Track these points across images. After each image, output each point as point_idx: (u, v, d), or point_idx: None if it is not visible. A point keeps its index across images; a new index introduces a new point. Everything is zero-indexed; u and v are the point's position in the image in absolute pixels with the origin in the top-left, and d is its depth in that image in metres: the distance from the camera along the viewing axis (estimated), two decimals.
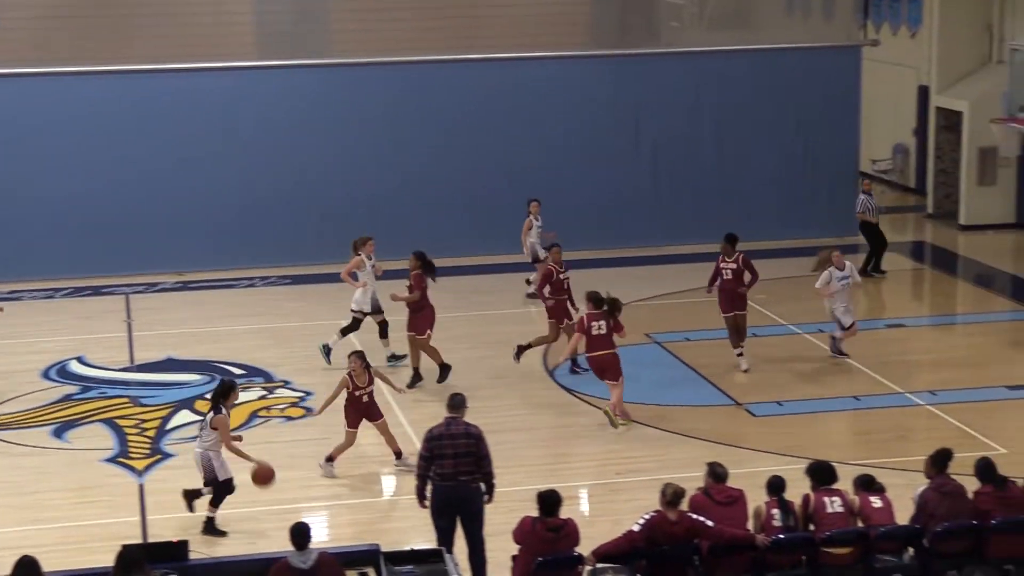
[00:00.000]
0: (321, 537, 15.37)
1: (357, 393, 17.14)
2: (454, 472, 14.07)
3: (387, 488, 17.28)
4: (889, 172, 34.27)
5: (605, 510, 16.27)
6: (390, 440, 17.42)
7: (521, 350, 20.87)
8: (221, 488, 15.77)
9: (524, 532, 12.76)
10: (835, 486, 13.46)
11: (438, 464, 14.08)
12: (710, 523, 12.87)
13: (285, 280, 26.60)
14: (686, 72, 28.66)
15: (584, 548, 12.82)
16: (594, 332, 18.55)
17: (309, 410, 19.40)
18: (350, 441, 17.27)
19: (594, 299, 18.67)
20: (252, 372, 21.20)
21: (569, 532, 12.77)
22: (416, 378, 20.36)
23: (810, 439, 18.17)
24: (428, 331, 20.29)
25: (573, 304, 20.65)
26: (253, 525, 15.81)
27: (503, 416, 19.24)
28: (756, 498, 13.43)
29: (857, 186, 29.66)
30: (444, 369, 20.43)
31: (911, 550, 13.37)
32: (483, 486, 14.25)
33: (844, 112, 29.23)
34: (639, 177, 28.54)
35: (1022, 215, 29.81)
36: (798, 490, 13.45)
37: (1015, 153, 27.63)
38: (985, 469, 13.65)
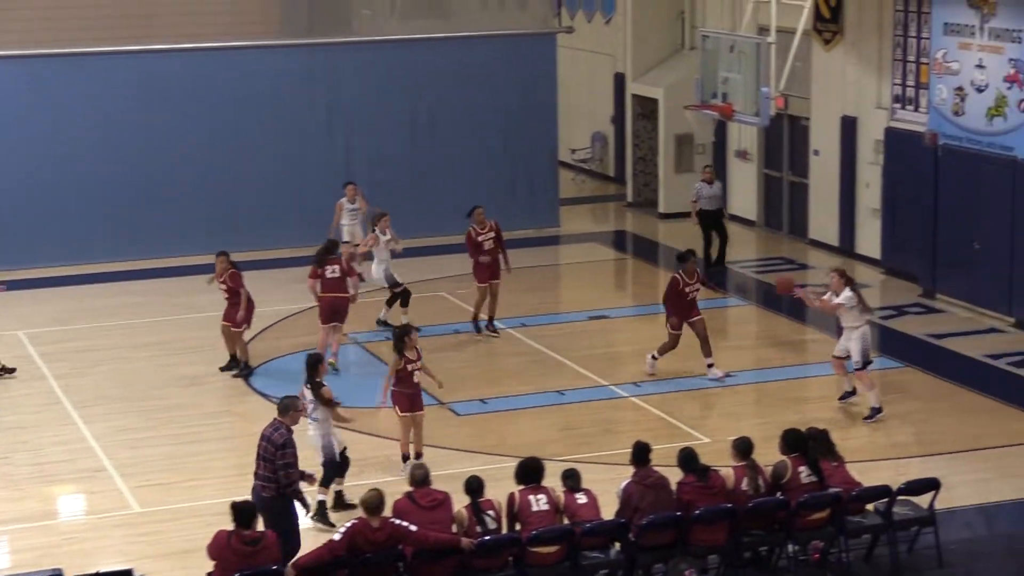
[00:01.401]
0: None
1: (410, 368, 17.04)
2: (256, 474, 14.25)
3: (71, 508, 16.82)
4: (588, 161, 34.95)
5: (304, 520, 16.15)
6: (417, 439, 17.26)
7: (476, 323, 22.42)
8: (341, 465, 15.99)
9: (219, 547, 12.55)
10: (543, 484, 13.68)
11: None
12: (414, 528, 12.92)
13: None
14: (379, 63, 28.67)
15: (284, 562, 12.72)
16: (328, 275, 20.52)
17: None
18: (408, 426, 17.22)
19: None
20: None
21: (268, 545, 12.61)
22: (235, 364, 20.96)
23: (515, 436, 18.41)
24: (245, 325, 20.88)
25: (507, 261, 22.48)
26: None
27: (196, 425, 19.02)
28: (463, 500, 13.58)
29: (557, 176, 30.23)
30: (233, 360, 21.00)
31: (617, 545, 13.69)
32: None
33: (541, 101, 29.69)
34: (331, 174, 28.37)
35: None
36: (508, 489, 13.62)
37: (710, 139, 28.54)
38: (687, 459, 14.07)
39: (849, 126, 26.86)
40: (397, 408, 17.11)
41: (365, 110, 28.65)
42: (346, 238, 24.75)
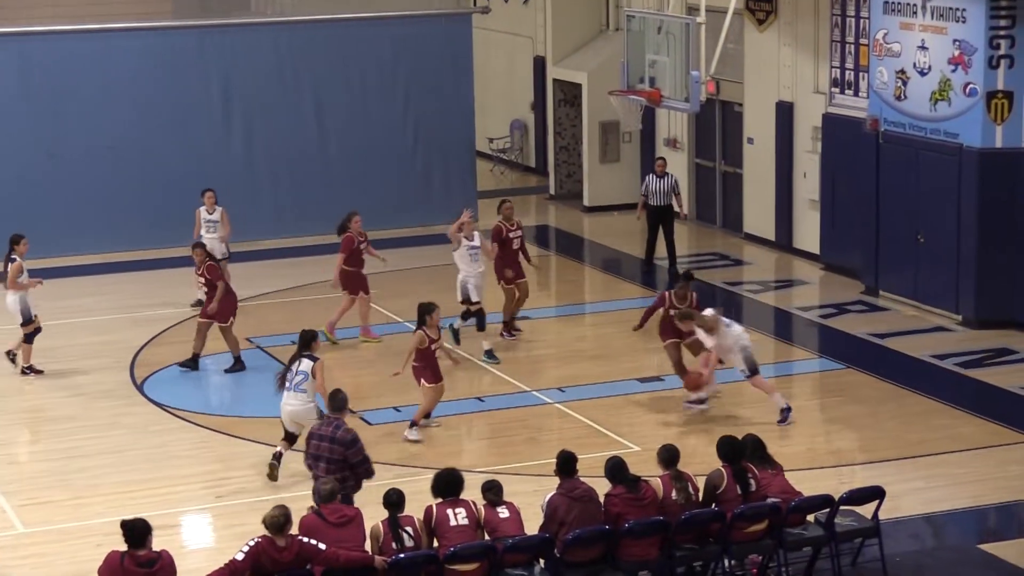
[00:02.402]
0: None
1: (433, 347, 18.39)
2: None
3: None
4: (508, 151, 34.99)
5: (203, 539, 16.09)
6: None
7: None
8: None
9: (111, 569, 12.43)
10: (463, 497, 13.67)
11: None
12: (323, 546, 12.88)
13: None
14: (279, 45, 28.56)
15: None
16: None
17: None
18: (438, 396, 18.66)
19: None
20: None
21: (164, 566, 12.52)
22: (194, 362, 21.31)
23: (432, 446, 18.39)
24: (231, 318, 21.19)
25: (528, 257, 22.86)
26: None
27: (84, 437, 18.86)
28: (376, 516, 13.54)
29: (475, 167, 30.23)
30: (238, 361, 21.35)
31: (542, 561, 13.69)
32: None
33: (456, 86, 29.72)
34: (231, 163, 28.24)
35: None
36: (425, 503, 13.61)
37: (637, 127, 28.67)
38: (615, 469, 14.11)
39: (785, 112, 27.05)
40: (424, 380, 18.49)
41: (264, 98, 28.51)
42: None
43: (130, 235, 27.39)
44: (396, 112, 29.40)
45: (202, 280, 21.28)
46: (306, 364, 17.14)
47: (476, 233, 22.16)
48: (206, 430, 19.00)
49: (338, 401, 15.27)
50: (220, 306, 21.06)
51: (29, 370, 21.22)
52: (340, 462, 14.82)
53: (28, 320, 21.18)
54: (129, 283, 23.57)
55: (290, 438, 17.37)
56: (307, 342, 17.30)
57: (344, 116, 29.07)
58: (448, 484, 13.76)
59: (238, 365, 21.31)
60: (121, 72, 27.75)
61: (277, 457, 17.28)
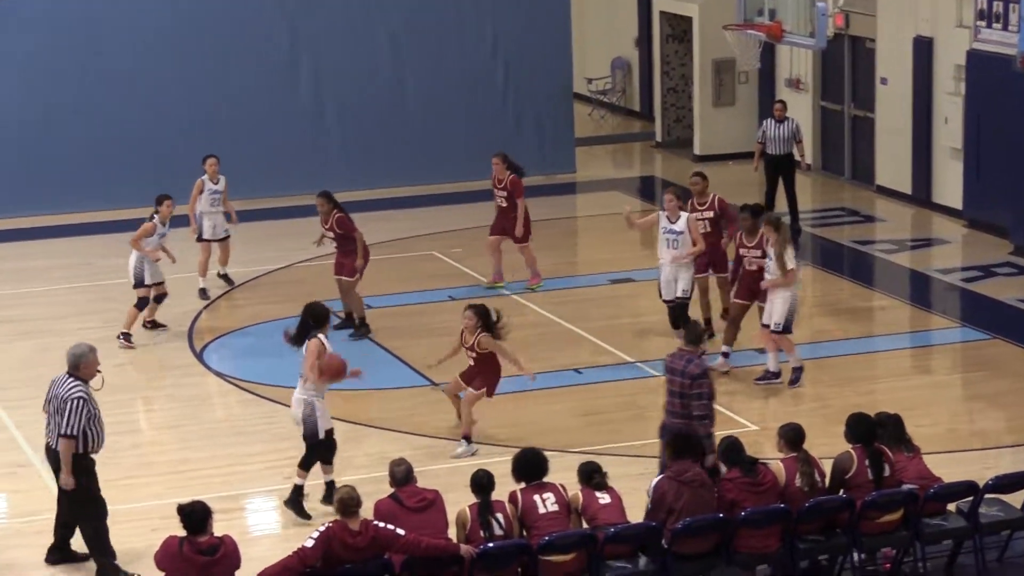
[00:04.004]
0: None
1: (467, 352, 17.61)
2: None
3: None
4: (609, 93, 34.92)
5: (269, 524, 16.23)
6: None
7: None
8: (327, 446, 16.00)
9: (169, 556, 12.60)
10: (547, 479, 13.68)
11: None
12: (401, 532, 12.93)
13: None
14: None
15: (248, 572, 12.75)
16: None
17: None
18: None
19: None
20: None
21: (227, 553, 12.68)
22: (351, 323, 21.22)
23: (525, 423, 18.42)
24: (358, 275, 21.09)
25: None
26: None
27: (136, 411, 19.02)
28: (461, 499, 13.57)
29: (572, 112, 30.17)
30: (349, 319, 21.22)
31: (646, 553, 13.68)
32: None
33: (551, 20, 29.64)
34: (297, 109, 28.36)
35: None
36: (509, 487, 13.65)
37: (754, 66, 28.50)
38: (730, 450, 14.09)
39: (924, 48, 26.83)
40: (488, 389, 17.69)
41: (334, 37, 28.56)
42: (207, 234, 23.23)
43: (186, 189, 27.48)
44: (483, 50, 29.38)
45: (331, 235, 21.09)
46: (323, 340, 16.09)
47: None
48: (273, 403, 19.08)
49: (694, 333, 15.69)
50: (350, 261, 20.91)
51: (123, 337, 21.24)
52: (686, 396, 15.28)
53: (139, 283, 21.23)
54: (191, 241, 23.68)
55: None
56: (319, 318, 16.19)
57: (424, 55, 29.08)
58: (531, 466, 13.77)
59: (363, 328, 21.22)
60: (180, 6, 27.93)
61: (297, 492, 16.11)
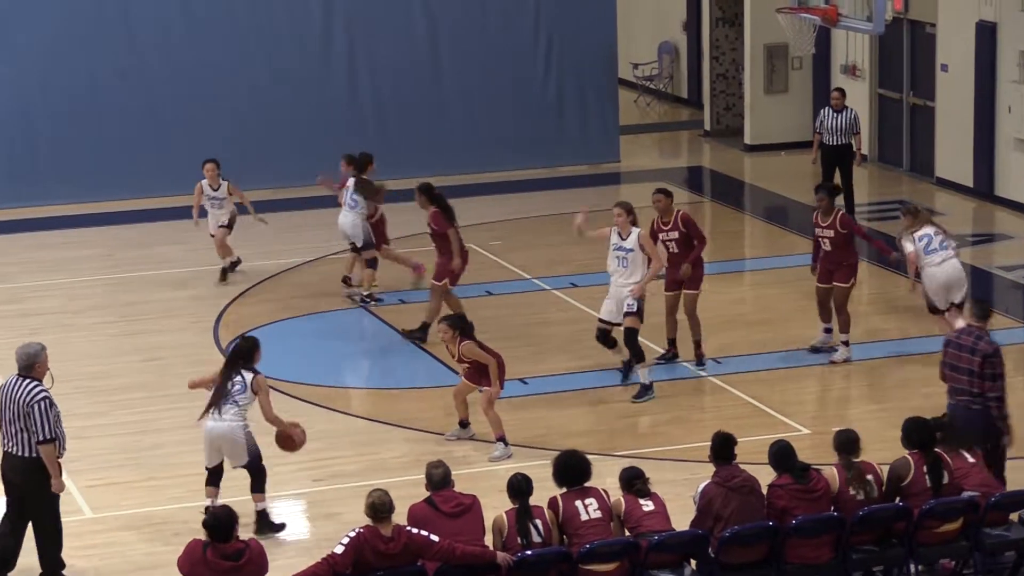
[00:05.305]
0: None
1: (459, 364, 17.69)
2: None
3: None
4: (655, 79, 34.88)
5: (297, 529, 16.23)
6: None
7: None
8: (262, 468, 15.85)
9: (192, 560, 12.59)
10: (589, 484, 13.65)
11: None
12: (435, 538, 12.92)
13: None
14: None
15: None
16: None
17: None
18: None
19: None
20: None
21: (253, 558, 12.67)
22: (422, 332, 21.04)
23: (562, 425, 18.40)
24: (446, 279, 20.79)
25: None
26: None
27: (159, 410, 19.07)
28: (496, 505, 13.55)
29: (617, 98, 30.12)
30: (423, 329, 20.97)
31: (693, 563, 13.66)
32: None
33: (596, 2, 29.57)
34: (330, 92, 28.38)
35: None
36: (549, 492, 13.61)
37: (809, 51, 28.45)
38: (781, 455, 14.02)
39: (987, 34, 26.73)
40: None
41: (369, 16, 28.57)
42: (211, 230, 23.27)
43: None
44: (525, 33, 29.35)
45: (429, 231, 20.86)
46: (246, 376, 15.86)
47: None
48: (303, 403, 19.08)
49: (983, 309, 15.80)
50: (443, 262, 20.59)
51: (369, 298, 21.95)
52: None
53: (367, 245, 21.88)
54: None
55: (214, 476, 15.96)
56: (247, 353, 16.01)
57: (462, 37, 29.06)
58: (573, 470, 13.72)
59: (420, 333, 21.01)
60: None
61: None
